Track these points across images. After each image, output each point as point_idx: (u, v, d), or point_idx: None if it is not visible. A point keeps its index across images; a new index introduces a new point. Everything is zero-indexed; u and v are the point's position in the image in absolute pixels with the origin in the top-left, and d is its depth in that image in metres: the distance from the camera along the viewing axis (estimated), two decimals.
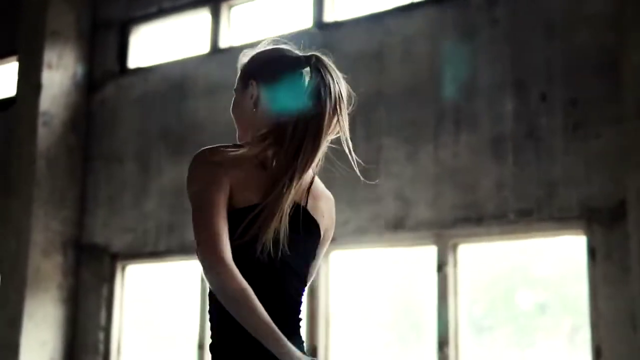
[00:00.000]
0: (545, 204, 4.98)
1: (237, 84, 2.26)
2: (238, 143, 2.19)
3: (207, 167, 2.08)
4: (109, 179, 7.00)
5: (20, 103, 7.07)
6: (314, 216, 2.18)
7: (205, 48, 6.71)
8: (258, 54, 2.27)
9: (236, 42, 6.60)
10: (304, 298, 2.17)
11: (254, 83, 2.21)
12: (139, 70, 7.10)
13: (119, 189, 6.93)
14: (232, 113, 2.28)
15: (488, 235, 5.21)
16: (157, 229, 6.65)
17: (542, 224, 4.99)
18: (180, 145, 6.61)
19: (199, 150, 2.12)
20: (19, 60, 7.25)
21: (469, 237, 5.27)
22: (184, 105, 6.69)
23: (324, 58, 2.23)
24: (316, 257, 2.23)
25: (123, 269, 6.90)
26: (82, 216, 7.07)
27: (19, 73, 7.18)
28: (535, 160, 5.06)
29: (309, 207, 2.17)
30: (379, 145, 5.64)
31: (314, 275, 2.27)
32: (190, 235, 6.37)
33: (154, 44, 7.13)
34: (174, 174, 6.60)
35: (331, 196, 2.27)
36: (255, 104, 2.20)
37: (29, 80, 7.03)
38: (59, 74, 7.05)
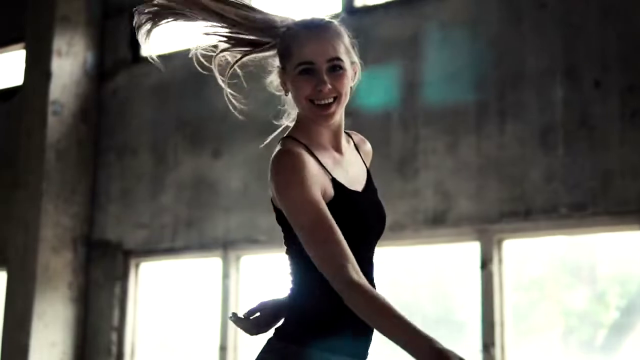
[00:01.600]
0: (600, 197, 4.69)
1: (345, 57, 2.06)
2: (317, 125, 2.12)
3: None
4: (122, 172, 6.67)
5: (28, 92, 6.72)
6: None
7: None
8: (347, 37, 2.11)
9: None
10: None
11: (357, 67, 2.12)
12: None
13: (133, 183, 6.59)
14: (341, 87, 2.05)
15: (536, 230, 4.92)
16: (174, 224, 6.32)
17: (596, 218, 4.71)
18: (199, 136, 6.29)
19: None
20: (26, 48, 6.90)
21: (516, 232, 4.99)
22: (202, 94, 6.36)
23: None
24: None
25: (137, 266, 6.56)
26: (94, 211, 6.72)
27: (26, 61, 6.83)
28: (588, 150, 4.77)
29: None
30: (415, 136, 5.34)
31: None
32: (210, 231, 6.07)
33: (168, 30, 6.78)
34: (193, 165, 6.27)
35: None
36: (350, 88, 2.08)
37: (38, 68, 6.68)
38: (69, 62, 6.70)
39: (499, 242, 5.03)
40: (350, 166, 2.13)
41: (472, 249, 5.10)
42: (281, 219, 2.08)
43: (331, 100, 2.03)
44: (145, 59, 6.79)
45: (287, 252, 2.12)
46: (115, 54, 6.90)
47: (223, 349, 5.91)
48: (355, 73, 2.12)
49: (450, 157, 5.22)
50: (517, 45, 5.12)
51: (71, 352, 6.43)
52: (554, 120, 4.90)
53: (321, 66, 2.02)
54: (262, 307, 2.25)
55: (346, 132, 2.19)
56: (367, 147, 2.29)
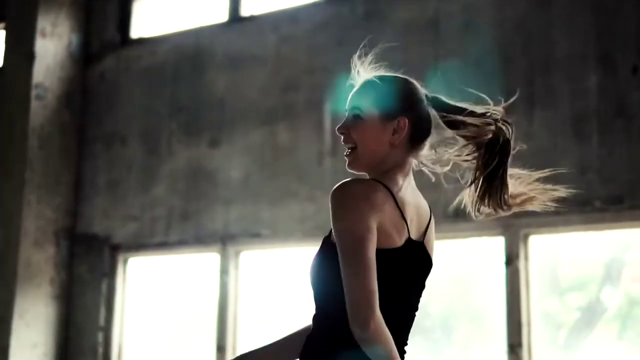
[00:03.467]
0: (638, 189, 4.43)
1: (369, 109, 2.07)
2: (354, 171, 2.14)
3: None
4: (110, 162, 6.25)
5: (9, 74, 6.27)
6: None
7: (223, 16, 6.01)
8: (397, 84, 2.12)
9: (260, 10, 5.91)
10: None
11: (405, 121, 2.08)
12: (143, 41, 6.37)
13: (122, 173, 6.18)
14: (360, 139, 2.08)
15: (567, 224, 4.63)
16: (168, 217, 5.92)
17: (634, 212, 4.44)
18: (195, 123, 5.90)
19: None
20: (8, 28, 6.45)
21: (544, 226, 4.70)
22: (199, 79, 5.98)
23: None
24: None
25: (125, 262, 6.15)
26: (79, 203, 6.30)
27: (7, 41, 6.38)
28: (625, 140, 4.50)
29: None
30: (435, 124, 5.02)
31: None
32: (207, 225, 5.69)
33: (160, 12, 6.40)
34: (188, 155, 5.89)
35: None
36: (398, 142, 2.08)
37: (20, 49, 6.23)
38: (53, 43, 6.27)
39: (525, 237, 4.75)
40: (418, 215, 2.12)
41: (496, 244, 4.81)
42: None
43: (348, 149, 2.08)
44: (135, 41, 6.40)
45: (319, 279, 2.06)
46: (102, 35, 6.49)
47: (221, 349, 5.54)
48: (398, 126, 2.07)
49: None
50: (545, 29, 4.84)
51: (54, 353, 6.00)
52: (588, 108, 4.63)
53: (346, 114, 2.11)
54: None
55: None
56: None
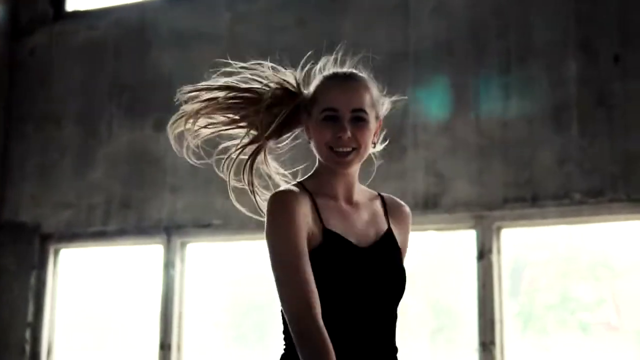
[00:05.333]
0: (620, 182, 4.28)
1: (370, 111, 2.07)
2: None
3: None
4: (42, 144, 5.76)
5: None
6: None
7: None
8: (376, 85, 2.14)
9: None
10: None
11: (381, 121, 2.14)
12: (80, 15, 5.91)
13: (55, 157, 5.70)
14: (364, 142, 2.05)
15: (543, 217, 4.45)
16: (107, 204, 5.49)
17: (615, 205, 4.29)
18: (139, 105, 5.50)
19: None
20: None
21: (519, 219, 4.51)
22: (143, 57, 5.58)
23: None
24: None
25: (56, 253, 5.68)
26: (4, 189, 5.79)
27: None
28: (607, 131, 4.35)
29: None
30: (404, 111, 4.78)
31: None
32: (151, 213, 5.30)
33: None
34: (131, 138, 5.48)
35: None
36: (376, 142, 2.14)
37: None
38: None
39: (498, 230, 4.55)
40: (360, 221, 2.09)
41: (466, 238, 4.60)
42: None
43: (350, 149, 2.04)
44: (70, 15, 5.94)
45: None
46: (32, 8, 5.99)
47: (164, 347, 5.16)
48: (378, 128, 2.12)
49: (444, 135, 4.70)
50: (521, 14, 4.65)
51: None
52: (567, 97, 4.46)
53: (344, 114, 2.03)
54: None
55: (380, 195, 2.19)
56: (402, 212, 2.21)
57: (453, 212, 4.61)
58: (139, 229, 5.37)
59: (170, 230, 5.26)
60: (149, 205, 5.36)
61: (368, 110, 2.05)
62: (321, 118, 2.05)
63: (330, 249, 1.97)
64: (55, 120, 5.73)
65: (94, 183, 5.54)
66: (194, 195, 5.21)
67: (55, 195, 5.65)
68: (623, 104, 4.34)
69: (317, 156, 2.10)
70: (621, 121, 4.33)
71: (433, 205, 4.64)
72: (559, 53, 4.52)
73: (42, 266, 5.61)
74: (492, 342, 4.41)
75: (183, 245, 5.29)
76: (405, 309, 4.75)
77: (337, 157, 2.04)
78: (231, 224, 5.06)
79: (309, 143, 2.12)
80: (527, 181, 4.46)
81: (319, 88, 2.10)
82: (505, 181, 4.51)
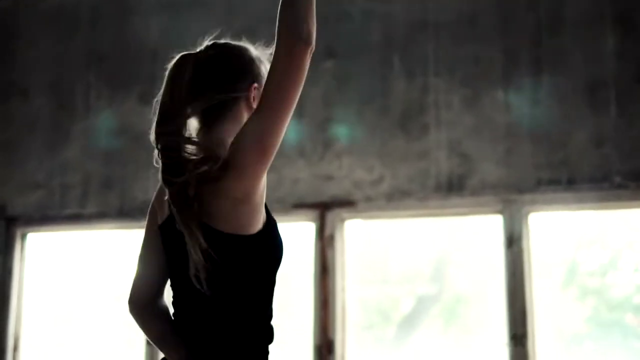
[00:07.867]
0: None
1: (239, 82, 2.05)
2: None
3: None
4: (5, 118, 5.19)
5: None
6: None
7: None
8: (251, 50, 2.14)
9: None
10: None
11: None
12: None
13: (22, 132, 5.15)
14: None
15: (579, 202, 4.18)
16: (84, 185, 4.98)
17: None
18: (121, 76, 5.00)
19: None
20: None
21: (551, 203, 4.22)
22: (124, 22, 5.08)
23: None
24: None
25: (23, 237, 5.14)
26: None
27: None
28: None
29: None
30: (424, 86, 4.44)
31: None
32: (134, 194, 4.83)
33: None
34: (112, 112, 4.98)
35: None
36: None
37: None
38: None
39: (527, 215, 4.26)
40: None
41: (493, 223, 4.29)
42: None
43: None
44: None
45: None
46: None
47: (150, 342, 4.70)
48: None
49: (468, 114, 4.37)
50: None
51: None
52: (604, 74, 4.19)
53: None
54: None
55: None
56: None
57: (479, 195, 4.30)
58: (121, 212, 4.89)
59: None
60: (134, 185, 4.89)
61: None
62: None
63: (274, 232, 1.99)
64: (21, 92, 5.18)
65: (68, 161, 5.02)
66: None
67: (22, 174, 5.10)
68: None
69: None
70: None
71: (458, 188, 4.32)
72: (594, 25, 4.24)
73: (7, 251, 5.06)
74: (524, 336, 4.12)
75: None
76: (429, 301, 4.43)
77: None
78: None
79: None
80: (560, 163, 4.17)
81: (261, 62, 2.14)
82: (535, 163, 4.21)
